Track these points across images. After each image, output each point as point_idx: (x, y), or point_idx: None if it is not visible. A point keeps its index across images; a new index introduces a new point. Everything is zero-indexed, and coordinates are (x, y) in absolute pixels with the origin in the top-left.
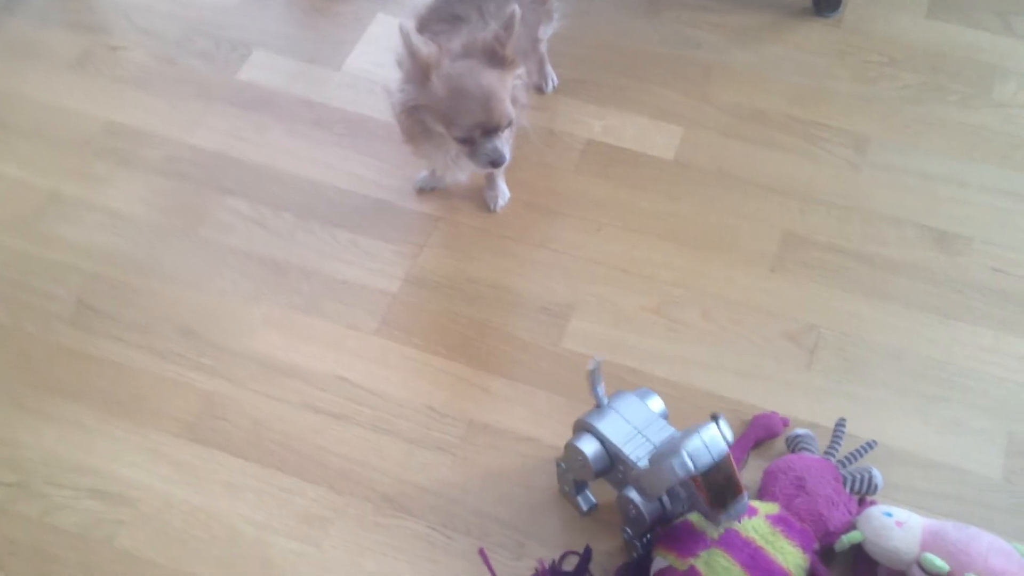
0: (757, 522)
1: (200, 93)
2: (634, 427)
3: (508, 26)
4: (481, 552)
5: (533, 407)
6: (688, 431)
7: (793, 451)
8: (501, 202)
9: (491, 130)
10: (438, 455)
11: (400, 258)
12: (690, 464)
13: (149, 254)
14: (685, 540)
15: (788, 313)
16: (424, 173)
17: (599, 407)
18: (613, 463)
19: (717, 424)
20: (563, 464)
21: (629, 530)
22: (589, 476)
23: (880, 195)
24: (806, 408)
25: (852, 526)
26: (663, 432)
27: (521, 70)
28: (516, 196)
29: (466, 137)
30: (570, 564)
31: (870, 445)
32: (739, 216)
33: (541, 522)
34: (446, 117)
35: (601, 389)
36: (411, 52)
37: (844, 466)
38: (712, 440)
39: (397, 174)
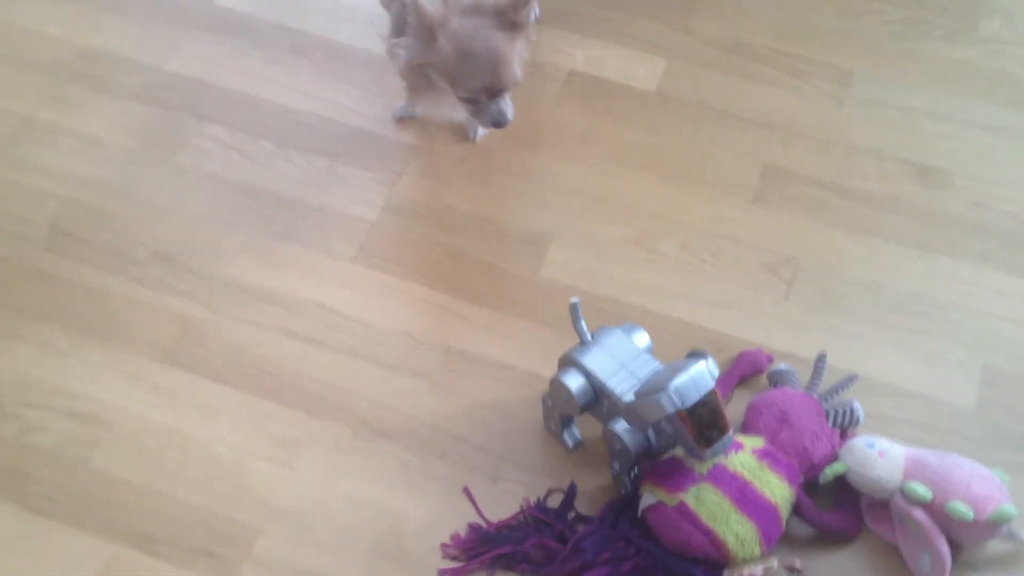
0: (744, 456)
1: (176, 18)
2: (619, 362)
3: None
4: (466, 490)
5: (511, 335)
6: (675, 366)
7: (775, 386)
8: (481, 132)
9: (497, 92)
10: (415, 381)
11: (379, 186)
12: (677, 399)
13: (125, 180)
14: (674, 476)
15: (767, 245)
16: (403, 103)
17: (583, 343)
18: (598, 397)
19: (705, 360)
20: (549, 400)
21: (616, 464)
22: (574, 411)
23: (862, 129)
24: (783, 339)
25: (835, 458)
26: (648, 366)
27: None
28: None
29: (471, 98)
30: (555, 502)
31: (851, 379)
32: (720, 148)
33: (516, 447)
34: (451, 77)
35: (583, 325)
36: (417, 10)
37: (826, 400)
38: (699, 376)
39: (376, 102)
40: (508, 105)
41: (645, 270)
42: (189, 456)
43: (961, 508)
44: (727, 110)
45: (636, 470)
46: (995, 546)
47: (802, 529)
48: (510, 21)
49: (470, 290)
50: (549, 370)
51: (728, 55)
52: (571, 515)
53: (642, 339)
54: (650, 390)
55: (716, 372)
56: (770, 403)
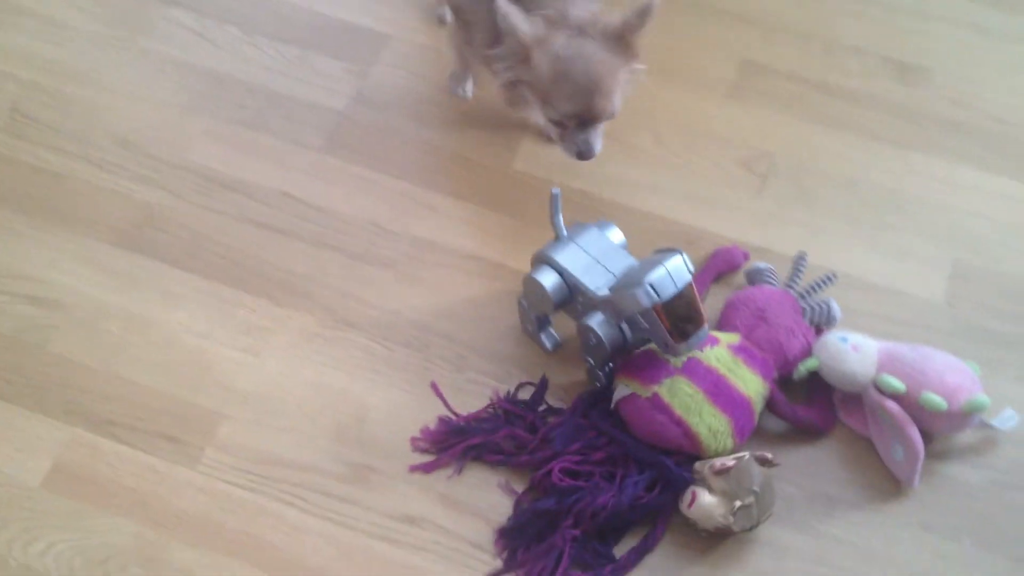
0: (719, 351)
1: None
2: (593, 257)
3: (644, 14)
4: (433, 386)
5: (480, 226)
6: (652, 260)
7: (753, 284)
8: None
9: (589, 121)
10: (381, 270)
11: (350, 76)
12: (654, 293)
13: (87, 63)
14: (648, 368)
15: (742, 140)
16: (455, 74)
17: (558, 238)
18: (572, 294)
19: (680, 255)
20: (524, 301)
21: (591, 359)
22: (549, 309)
23: (844, 24)
24: (756, 234)
25: (809, 354)
26: (623, 262)
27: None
28: None
29: (560, 121)
30: (526, 395)
31: (830, 278)
32: (697, 41)
33: (484, 338)
34: (544, 97)
35: (560, 219)
36: (511, 31)
37: (804, 298)
38: (676, 270)
39: None
40: (598, 138)
41: (619, 163)
42: (150, 341)
43: (935, 399)
44: (705, 2)
45: (610, 365)
46: (966, 435)
47: (776, 424)
48: (621, 44)
49: (440, 182)
50: (518, 263)
51: None
52: (542, 407)
53: (616, 235)
54: (627, 284)
55: (691, 266)
56: (748, 300)
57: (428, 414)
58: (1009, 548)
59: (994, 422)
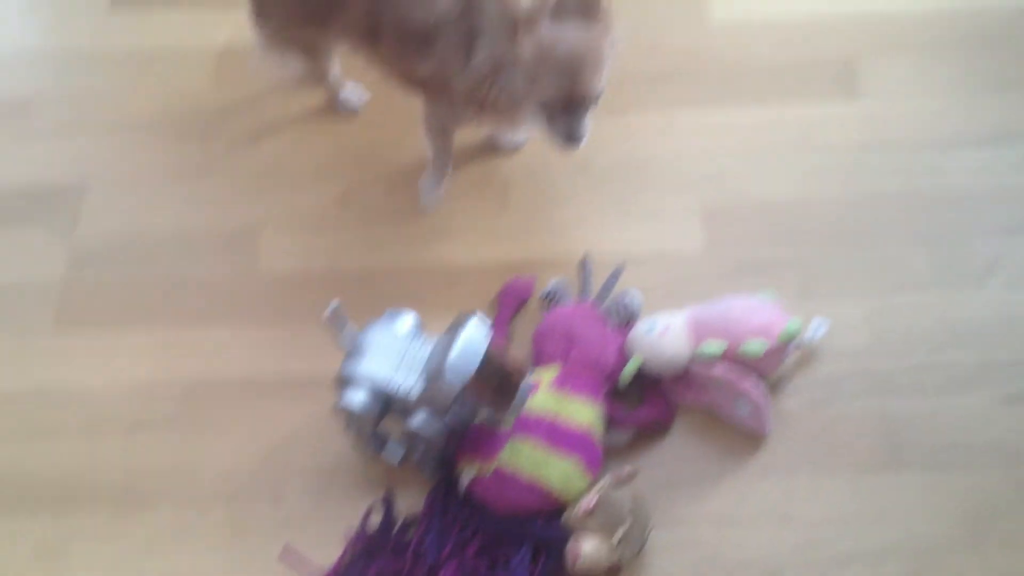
0: (541, 395)
1: None
2: (394, 357)
3: None
4: (285, 554)
5: (248, 344)
6: (447, 338)
7: (551, 306)
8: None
9: (575, 103)
10: (162, 432)
11: (55, 237)
12: (458, 375)
13: None
14: (483, 443)
15: (470, 164)
16: (425, 181)
17: (350, 353)
18: (389, 401)
19: (471, 319)
20: (347, 425)
21: (425, 465)
22: (370, 426)
23: None
24: (517, 248)
25: (627, 356)
26: (424, 349)
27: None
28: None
29: (546, 106)
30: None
31: (617, 273)
32: None
33: (288, 458)
34: (528, 80)
35: (346, 334)
36: (504, 5)
37: (601, 302)
38: (471, 340)
39: (21, 150)
40: (585, 122)
41: (360, 228)
42: None
43: (754, 346)
44: None
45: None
46: (788, 360)
47: (623, 436)
48: (593, 17)
49: (190, 313)
50: (306, 367)
51: None
52: (398, 525)
53: (406, 323)
54: (432, 376)
55: (486, 328)
56: (552, 326)
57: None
58: (841, 464)
59: (808, 338)
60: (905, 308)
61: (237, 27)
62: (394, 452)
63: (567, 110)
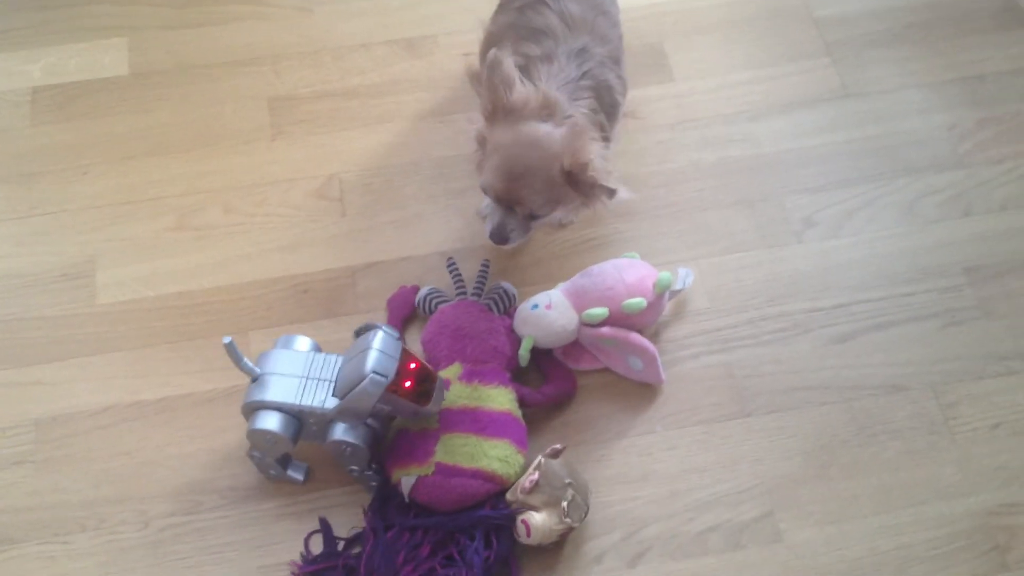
0: (455, 389)
1: None
2: (300, 377)
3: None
4: None
5: (95, 376)
6: (357, 348)
7: (432, 311)
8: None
9: (504, 202)
10: (17, 471)
11: None
12: (380, 377)
13: None
14: (415, 447)
15: (305, 173)
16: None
17: (255, 380)
18: (302, 422)
19: (378, 328)
20: (255, 453)
21: (354, 467)
22: (288, 447)
23: (340, 28)
24: (362, 252)
25: (519, 338)
26: (330, 365)
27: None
28: None
29: (485, 190)
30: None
31: (485, 265)
32: (219, 103)
33: (149, 479)
34: (482, 161)
35: (246, 362)
36: (497, 86)
37: (480, 296)
38: (386, 345)
39: None
40: (514, 228)
41: (200, 250)
42: None
43: (634, 302)
44: (208, 63)
45: (373, 464)
46: (665, 310)
47: (535, 416)
48: (569, 173)
49: (31, 353)
50: (157, 391)
51: (185, 8)
52: (341, 545)
53: (303, 343)
54: (350, 384)
55: (396, 334)
56: (441, 328)
57: None
58: (693, 419)
59: (678, 287)
60: (735, 268)
61: (47, 63)
62: (298, 470)
63: (499, 204)
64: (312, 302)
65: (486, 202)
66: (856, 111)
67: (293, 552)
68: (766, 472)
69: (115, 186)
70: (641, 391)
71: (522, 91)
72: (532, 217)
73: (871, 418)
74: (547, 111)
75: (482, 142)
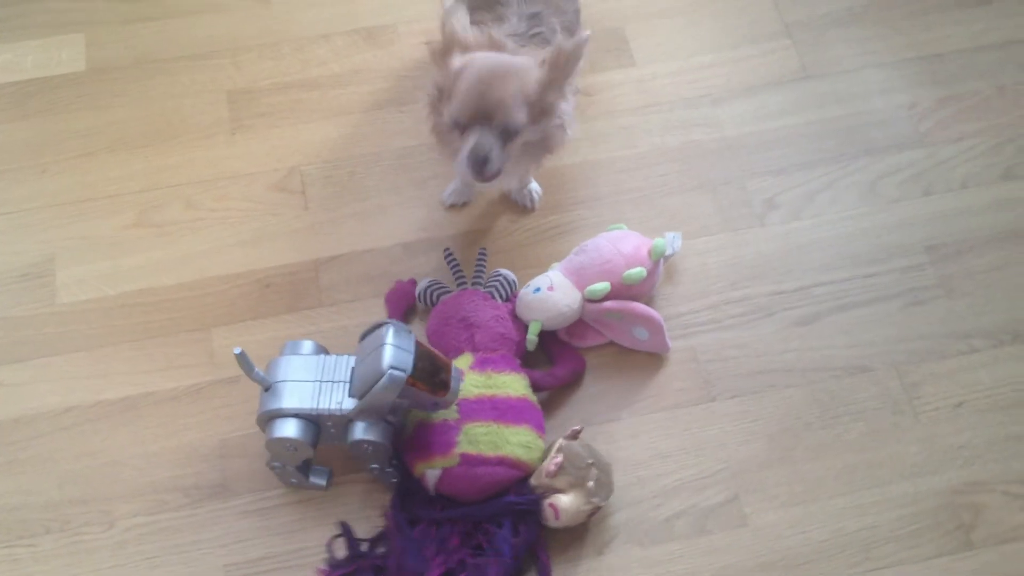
0: (471, 378)
1: None
2: (312, 381)
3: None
4: None
5: (57, 376)
6: (370, 345)
7: (435, 303)
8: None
9: (479, 122)
10: None
11: None
12: (399, 372)
13: None
14: (435, 440)
15: (265, 167)
16: (453, 185)
17: (267, 389)
18: (320, 426)
19: (389, 324)
20: (277, 463)
21: (375, 464)
22: (308, 452)
23: (298, 19)
24: (325, 245)
25: (526, 323)
26: (343, 366)
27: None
28: None
29: (455, 123)
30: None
31: (483, 253)
32: (177, 96)
33: (114, 479)
34: (449, 98)
35: (257, 372)
36: (443, 28)
37: (481, 285)
38: (399, 339)
39: None
40: (492, 147)
41: (162, 247)
42: None
43: (634, 272)
44: (166, 57)
45: (394, 458)
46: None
47: (547, 399)
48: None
49: None
50: (121, 390)
51: (142, 2)
52: (365, 547)
53: (307, 347)
54: (369, 382)
55: (407, 329)
56: (446, 319)
57: None
58: (658, 406)
59: (668, 252)
60: (699, 252)
61: (3, 60)
62: (320, 475)
63: (472, 129)
64: (275, 297)
65: (450, 189)
66: (817, 92)
67: (259, 549)
68: (731, 456)
69: (74, 183)
70: (602, 378)
71: (472, 34)
72: (508, 133)
73: (835, 400)
74: (496, 49)
75: (441, 87)
